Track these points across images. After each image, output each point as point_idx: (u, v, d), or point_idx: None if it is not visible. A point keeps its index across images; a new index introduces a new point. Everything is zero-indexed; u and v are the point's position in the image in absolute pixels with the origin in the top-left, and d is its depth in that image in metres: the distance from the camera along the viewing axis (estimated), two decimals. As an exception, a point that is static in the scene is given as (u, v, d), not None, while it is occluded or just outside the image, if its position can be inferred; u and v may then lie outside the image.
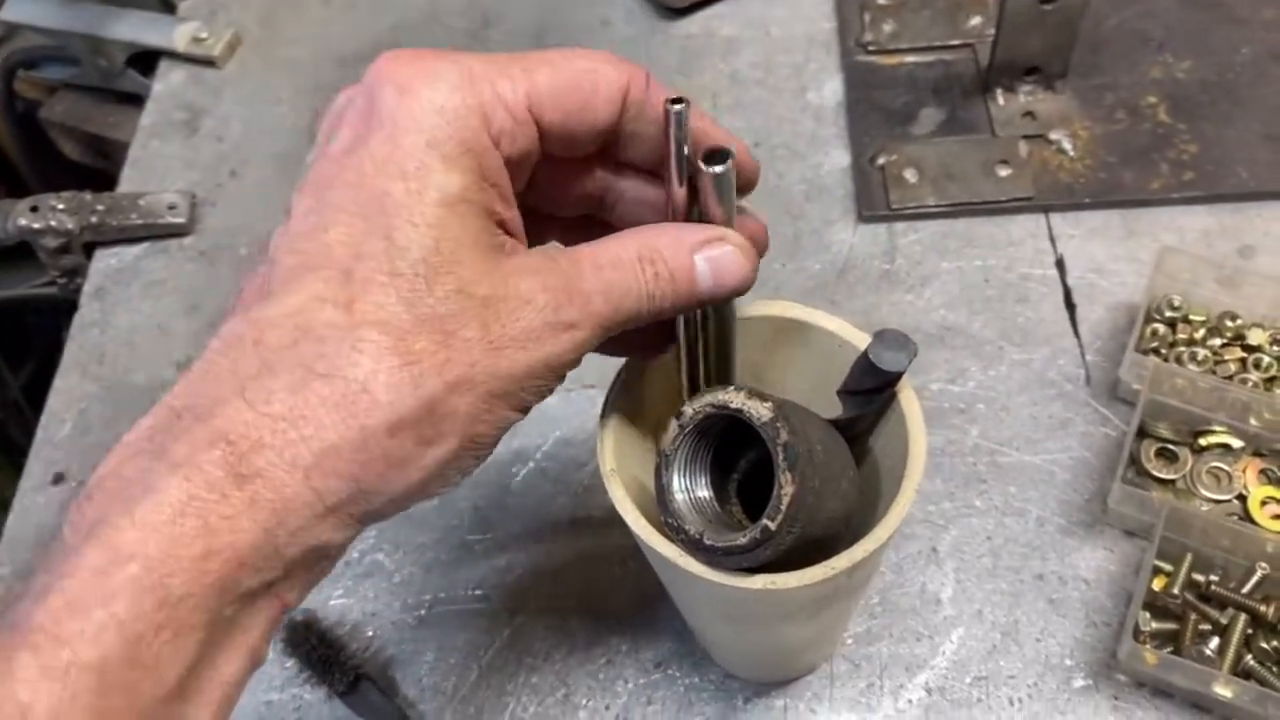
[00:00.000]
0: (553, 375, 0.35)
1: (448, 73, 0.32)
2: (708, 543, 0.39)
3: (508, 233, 0.35)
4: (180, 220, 0.75)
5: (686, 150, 0.37)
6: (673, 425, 0.40)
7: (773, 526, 0.37)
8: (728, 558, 0.39)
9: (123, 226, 0.75)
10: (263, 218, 0.76)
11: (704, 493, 0.42)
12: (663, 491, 0.40)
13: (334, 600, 0.60)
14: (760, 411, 0.38)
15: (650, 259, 0.36)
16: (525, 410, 0.35)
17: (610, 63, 0.36)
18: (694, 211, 0.38)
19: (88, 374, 0.70)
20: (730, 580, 0.39)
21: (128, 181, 0.79)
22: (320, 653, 0.56)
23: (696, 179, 0.37)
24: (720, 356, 0.45)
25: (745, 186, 0.40)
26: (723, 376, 0.46)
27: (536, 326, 0.33)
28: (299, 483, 0.31)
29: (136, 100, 0.86)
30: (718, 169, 0.37)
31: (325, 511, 0.31)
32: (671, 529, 0.40)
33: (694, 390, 0.44)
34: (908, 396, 0.43)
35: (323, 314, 0.31)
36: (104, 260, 0.75)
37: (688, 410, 0.40)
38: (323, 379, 0.31)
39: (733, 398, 0.38)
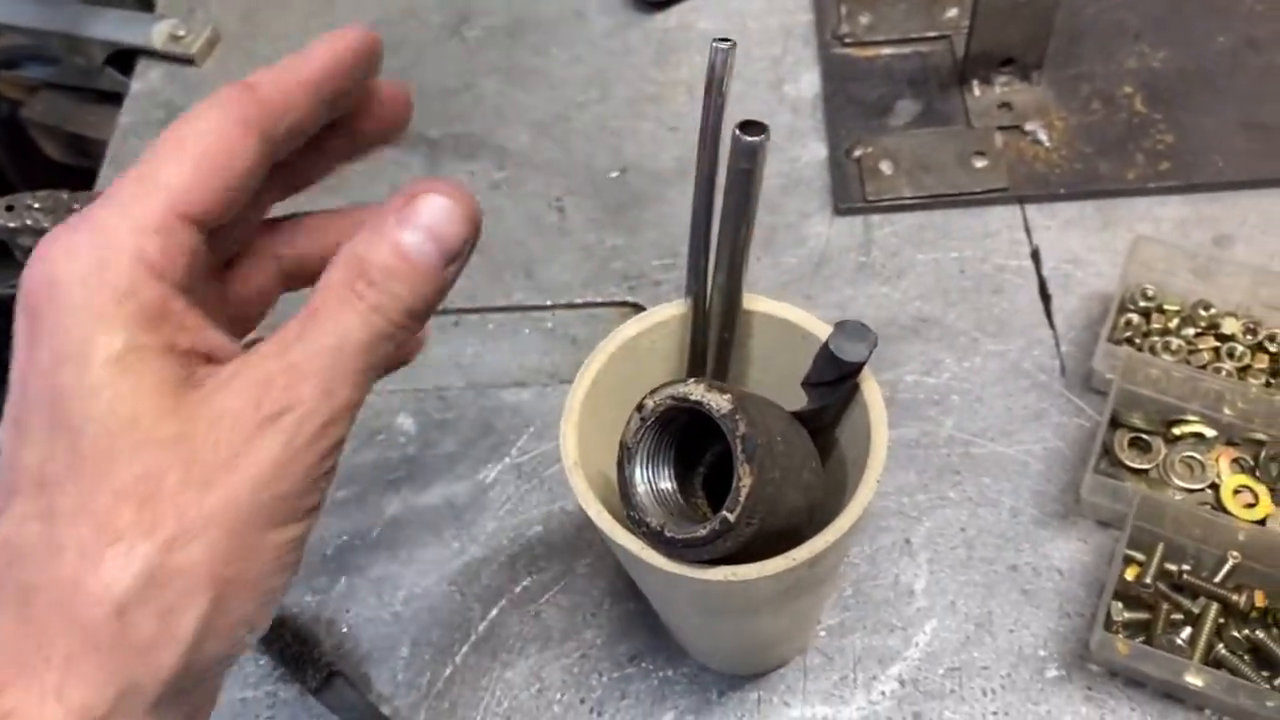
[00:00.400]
0: (301, 471, 0.31)
1: (80, 241, 0.31)
2: (669, 535, 0.39)
3: (211, 358, 0.32)
4: (157, 218, 0.74)
5: (725, 93, 0.37)
6: (634, 417, 0.40)
7: (731, 518, 0.37)
8: (689, 550, 0.39)
9: (99, 225, 0.74)
10: (240, 215, 0.76)
11: (667, 485, 0.42)
12: (625, 484, 0.40)
13: (307, 597, 0.60)
14: (719, 403, 0.38)
15: (359, 272, 0.32)
16: (303, 518, 0.32)
17: (209, 111, 0.33)
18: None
19: (64, 373, 0.70)
20: (691, 572, 0.39)
21: (106, 180, 0.79)
22: (293, 649, 0.56)
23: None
24: (720, 354, 0.45)
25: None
26: (720, 372, 0.46)
27: (237, 437, 0.30)
28: (53, 709, 0.29)
29: (116, 99, 0.86)
30: (751, 138, 0.37)
31: None
32: (634, 522, 0.40)
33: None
34: (870, 388, 0.43)
35: (28, 530, 0.30)
36: (81, 259, 0.75)
37: (649, 403, 0.40)
38: (39, 590, 0.29)
39: (692, 390, 0.38)
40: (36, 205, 0.74)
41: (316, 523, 0.33)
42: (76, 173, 0.90)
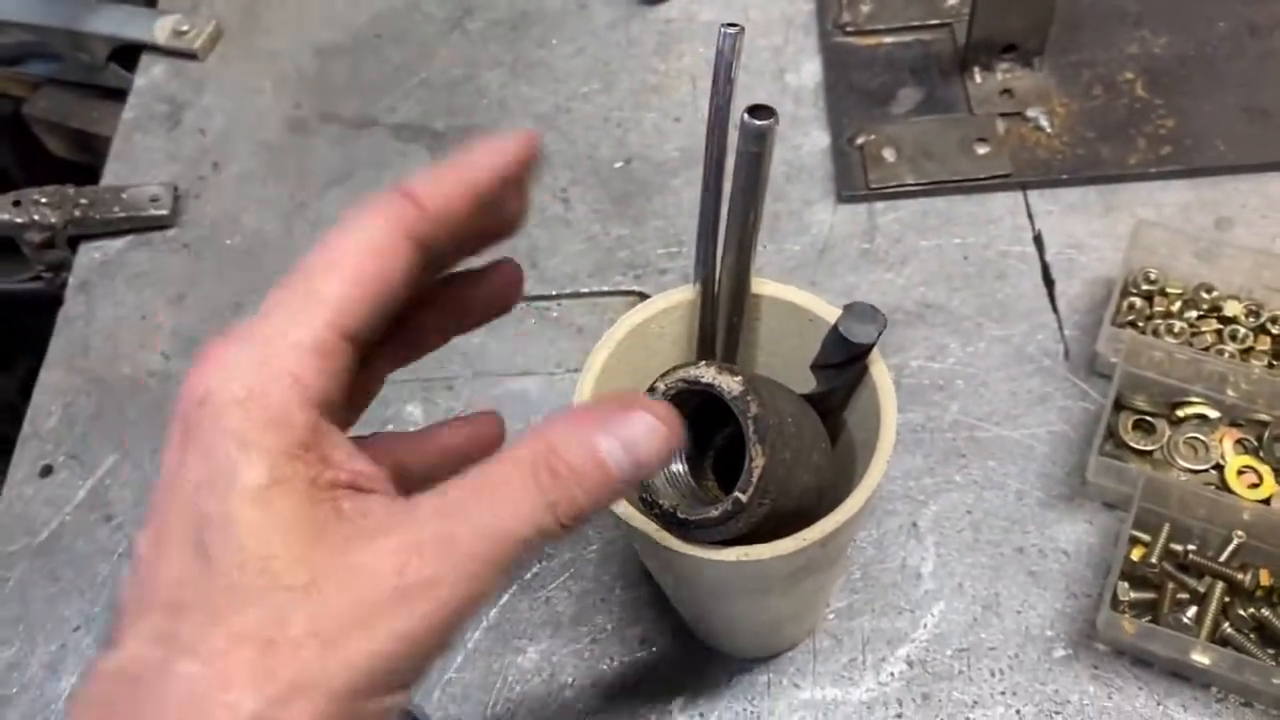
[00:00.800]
0: (425, 647, 0.30)
1: (239, 358, 0.30)
2: (681, 516, 0.39)
3: (355, 487, 0.31)
4: (163, 212, 0.75)
5: (733, 78, 0.38)
6: None
7: (744, 499, 0.38)
8: (701, 531, 0.39)
9: (106, 220, 0.75)
10: (246, 209, 0.76)
11: (679, 467, 0.42)
12: None
13: (321, 586, 0.60)
14: (731, 386, 0.38)
15: (545, 460, 0.31)
16: (405, 689, 0.31)
17: (374, 219, 0.32)
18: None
19: (73, 367, 0.70)
20: (704, 553, 0.40)
21: (111, 175, 0.79)
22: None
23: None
24: (729, 338, 0.46)
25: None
26: (729, 356, 0.47)
27: (375, 600, 0.29)
28: None
29: (119, 95, 0.86)
30: (761, 122, 0.37)
31: None
32: (646, 504, 0.41)
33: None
34: (879, 369, 0.44)
35: (150, 657, 0.29)
36: (88, 254, 0.75)
37: (660, 386, 0.40)
38: None
39: (704, 372, 0.39)
40: (43, 200, 0.75)
41: None
42: (80, 169, 0.90)
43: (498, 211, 0.35)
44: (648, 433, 0.32)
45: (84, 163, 0.91)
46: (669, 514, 0.40)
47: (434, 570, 0.29)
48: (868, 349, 0.43)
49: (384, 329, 0.33)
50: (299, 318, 0.31)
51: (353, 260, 0.31)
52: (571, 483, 0.31)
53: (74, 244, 0.76)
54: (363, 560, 0.29)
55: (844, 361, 0.43)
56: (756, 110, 0.38)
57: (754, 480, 0.38)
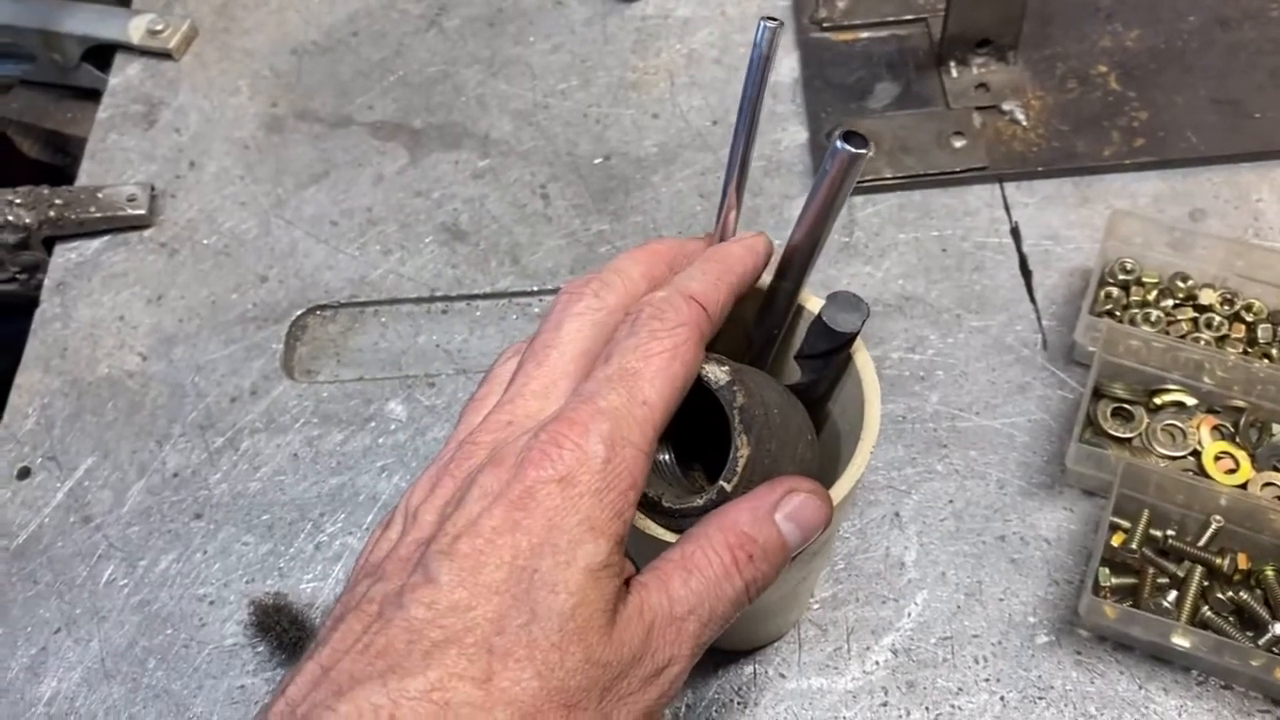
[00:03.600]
0: (657, 716, 0.35)
1: (593, 451, 0.34)
2: (666, 505, 0.39)
3: (629, 580, 0.36)
4: (140, 212, 0.74)
5: (767, 73, 0.39)
6: None
7: (728, 488, 0.38)
8: (685, 520, 0.39)
9: (82, 220, 0.74)
10: (223, 208, 0.76)
11: (665, 456, 0.42)
12: None
13: (304, 584, 0.60)
14: (718, 376, 0.38)
15: (742, 547, 0.36)
16: None
17: (688, 332, 0.37)
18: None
19: (50, 369, 0.69)
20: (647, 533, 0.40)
21: (86, 175, 0.79)
22: (290, 635, 0.56)
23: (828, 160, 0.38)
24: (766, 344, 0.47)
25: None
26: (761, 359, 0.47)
27: (639, 681, 0.34)
28: None
29: (94, 95, 0.85)
30: (854, 150, 0.37)
31: None
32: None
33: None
34: (863, 359, 0.44)
35: (461, 690, 0.31)
36: (64, 255, 0.75)
37: None
38: None
39: None
40: (17, 201, 0.74)
41: None
42: (55, 171, 0.90)
43: None
44: (814, 513, 0.38)
45: (58, 164, 0.90)
46: (654, 503, 0.40)
47: (672, 653, 0.34)
48: (851, 338, 0.43)
49: None
50: (639, 425, 0.35)
51: (669, 371, 0.36)
52: (763, 563, 0.36)
53: (49, 245, 0.75)
54: (631, 643, 0.34)
55: (828, 351, 0.44)
56: (851, 137, 0.37)
57: (738, 470, 0.38)
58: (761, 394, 0.39)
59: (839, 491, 0.41)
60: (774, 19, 0.38)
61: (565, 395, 0.36)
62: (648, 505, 0.40)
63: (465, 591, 0.32)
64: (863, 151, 0.37)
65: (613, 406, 0.35)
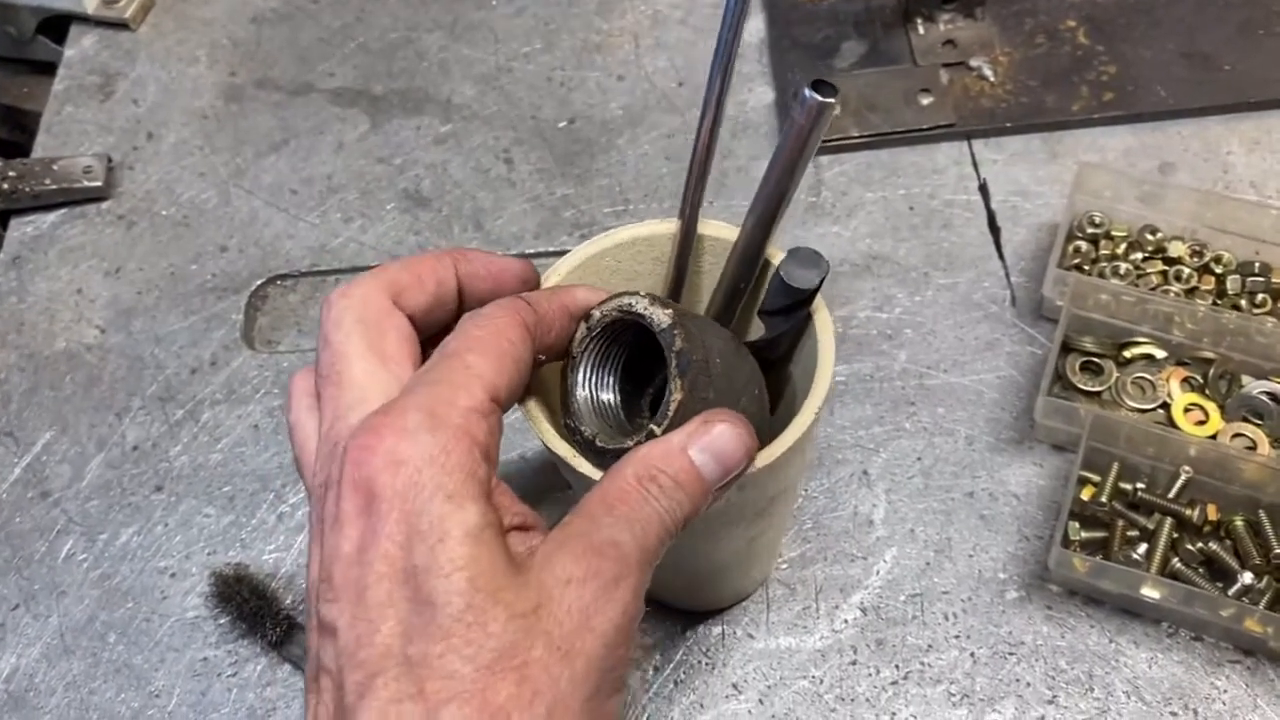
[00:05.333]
0: (628, 636, 0.34)
1: (417, 424, 0.33)
2: (600, 445, 0.39)
3: (524, 527, 0.35)
4: (96, 184, 0.73)
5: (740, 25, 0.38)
6: (581, 327, 0.40)
7: (658, 431, 0.37)
8: (616, 459, 0.38)
9: (37, 193, 0.73)
10: (181, 179, 0.74)
11: (609, 396, 0.41)
12: (565, 392, 0.40)
13: (266, 554, 0.59)
14: (660, 318, 0.38)
15: (650, 477, 0.35)
16: (623, 688, 0.34)
17: (503, 315, 0.37)
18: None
19: (6, 343, 0.68)
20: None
21: (42, 148, 0.77)
22: (251, 605, 0.55)
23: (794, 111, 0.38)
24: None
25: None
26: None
27: (589, 600, 0.32)
28: None
29: (49, 69, 0.84)
30: (822, 98, 0.36)
31: None
32: (569, 430, 0.40)
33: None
34: (822, 319, 0.43)
35: (403, 713, 0.30)
36: (19, 228, 0.73)
37: (596, 313, 0.40)
38: None
39: (637, 302, 0.38)
40: (-29, 174, 0.73)
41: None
42: (10, 147, 0.88)
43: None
44: (732, 442, 0.37)
45: (14, 140, 0.88)
46: (589, 442, 0.39)
47: (620, 567, 0.33)
48: (811, 294, 0.42)
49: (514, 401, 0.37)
50: (463, 388, 0.34)
51: (493, 342, 0.36)
52: (676, 493, 0.35)
53: (4, 219, 0.74)
54: (563, 575, 0.32)
55: (787, 307, 0.43)
56: (821, 86, 0.37)
57: (670, 414, 0.37)
58: (704, 340, 0.39)
59: (784, 443, 0.40)
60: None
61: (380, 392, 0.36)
62: (584, 446, 0.39)
63: (362, 623, 0.31)
64: (831, 100, 0.37)
65: (428, 380, 0.34)
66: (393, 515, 0.32)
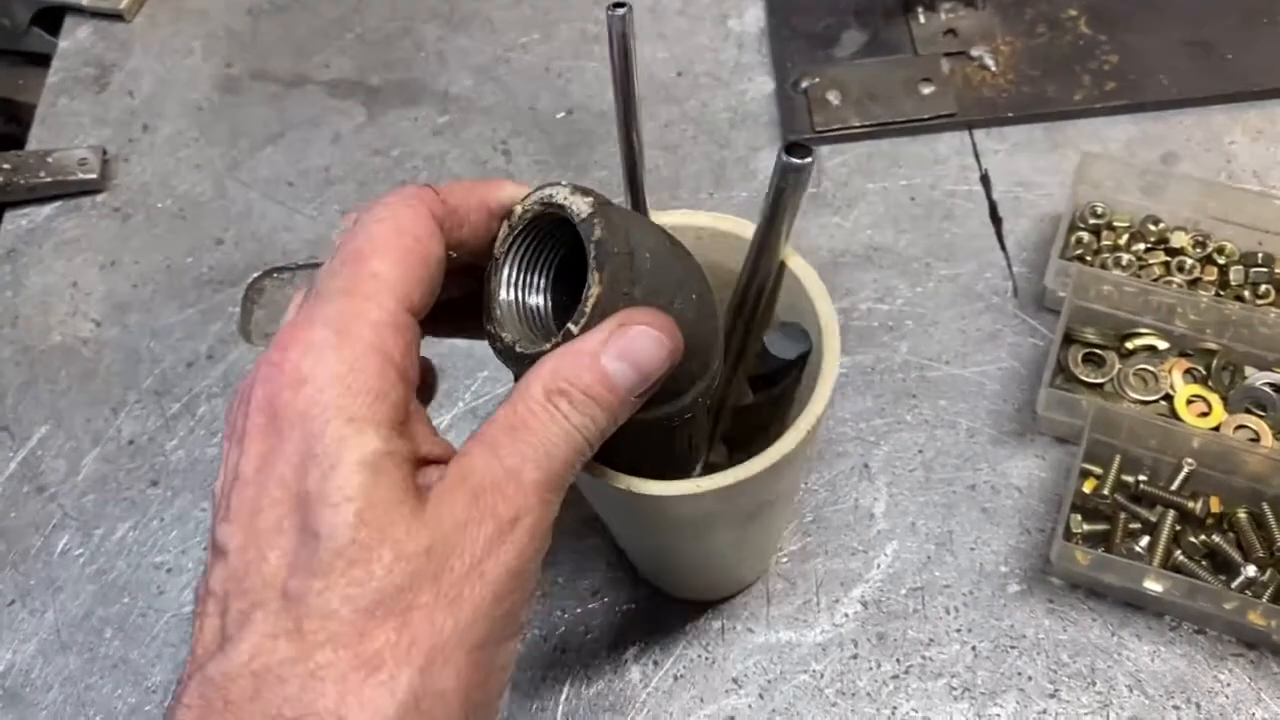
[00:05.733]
0: (526, 580, 0.31)
1: (324, 339, 0.30)
2: (519, 351, 0.35)
3: (442, 459, 0.32)
4: (91, 176, 0.72)
5: (632, 62, 0.36)
6: (503, 227, 0.36)
7: (575, 330, 0.34)
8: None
9: (32, 185, 0.72)
10: (177, 171, 0.74)
11: (537, 300, 0.37)
12: (486, 296, 0.36)
13: (263, 549, 0.59)
14: (579, 206, 0.34)
15: (558, 390, 0.32)
16: (520, 632, 0.32)
17: (406, 207, 0.33)
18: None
19: (2, 337, 0.68)
20: (615, 483, 0.38)
21: (36, 141, 0.77)
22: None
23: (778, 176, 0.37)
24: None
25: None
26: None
27: (482, 545, 0.30)
28: None
29: (44, 60, 0.83)
30: (796, 160, 0.35)
31: None
32: (490, 337, 0.36)
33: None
34: (829, 333, 0.42)
35: (277, 651, 0.28)
36: (14, 221, 0.73)
37: (518, 209, 0.36)
38: None
39: (558, 192, 0.35)
40: (-35, 167, 0.72)
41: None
42: (5, 140, 0.87)
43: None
44: (648, 344, 0.33)
45: (9, 133, 0.88)
46: (509, 349, 0.35)
47: (517, 505, 0.31)
48: (793, 364, 0.42)
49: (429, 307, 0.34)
50: (372, 299, 0.31)
51: (398, 243, 0.32)
52: (589, 406, 0.32)
53: (0, 211, 0.74)
54: (459, 514, 0.30)
55: (772, 373, 0.43)
56: (795, 148, 0.36)
57: (587, 310, 0.33)
58: (630, 231, 0.35)
59: (776, 452, 0.38)
60: (622, 4, 0.35)
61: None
62: (505, 353, 0.36)
63: (253, 548, 0.30)
64: (806, 162, 0.36)
65: (334, 290, 0.31)
66: (293, 436, 0.30)
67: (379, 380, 0.30)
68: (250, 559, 0.29)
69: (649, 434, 0.38)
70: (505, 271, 0.36)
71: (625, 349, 0.33)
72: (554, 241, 0.36)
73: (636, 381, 0.33)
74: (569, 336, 0.33)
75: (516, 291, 0.37)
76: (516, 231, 0.36)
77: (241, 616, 0.29)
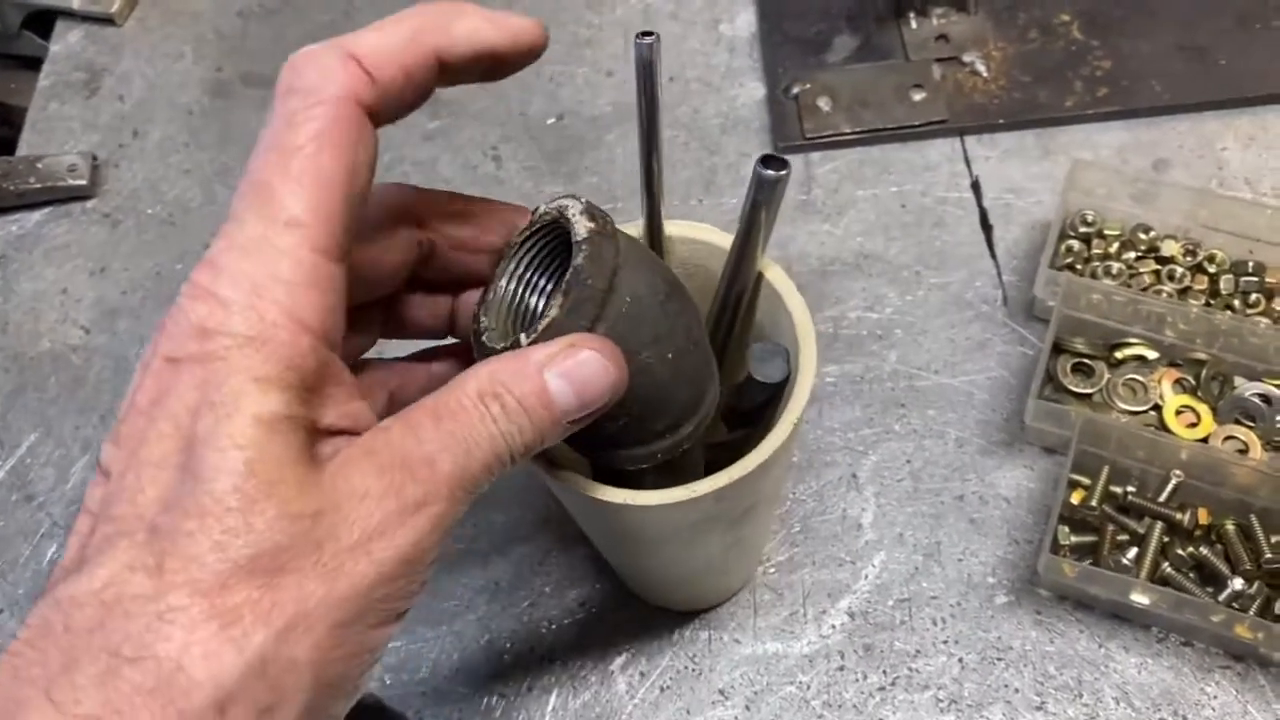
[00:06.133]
0: (417, 570, 0.30)
1: (228, 294, 0.29)
2: (484, 340, 0.35)
3: (352, 432, 0.31)
4: (81, 182, 0.72)
5: (657, 88, 0.36)
6: (525, 219, 0.37)
7: (524, 341, 0.33)
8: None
9: (21, 191, 0.72)
10: (167, 177, 0.74)
11: (535, 302, 0.38)
12: (489, 281, 0.37)
13: (251, 559, 0.58)
14: (580, 228, 0.34)
15: (493, 393, 0.31)
16: (398, 619, 0.31)
17: (325, 112, 0.30)
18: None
19: (-9, 344, 0.68)
20: (594, 493, 0.38)
21: (26, 145, 0.76)
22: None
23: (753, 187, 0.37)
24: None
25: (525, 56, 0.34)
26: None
27: (378, 521, 0.29)
28: None
29: (35, 64, 0.83)
30: (770, 173, 0.35)
31: None
32: (473, 319, 0.36)
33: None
34: (804, 329, 0.42)
35: (131, 584, 0.27)
36: (4, 227, 0.73)
37: (541, 207, 0.36)
38: (132, 664, 0.26)
39: (571, 206, 0.35)
40: (-46, 172, 0.72)
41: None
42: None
43: (485, 64, 0.33)
44: (596, 372, 0.32)
45: (3, 136, 0.88)
46: (478, 333, 0.36)
47: (423, 489, 0.29)
48: (777, 387, 0.42)
49: (355, 223, 0.31)
50: (286, 255, 0.29)
51: (313, 165, 0.29)
52: (520, 419, 0.31)
53: (-11, 218, 0.74)
54: (358, 485, 0.29)
55: (754, 409, 0.43)
56: (770, 160, 0.36)
57: (539, 329, 0.33)
58: (619, 268, 0.34)
59: (758, 456, 0.38)
60: (650, 33, 0.35)
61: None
62: (474, 335, 0.36)
63: (132, 475, 0.28)
64: (781, 174, 0.36)
65: (248, 238, 0.29)
66: (194, 379, 0.28)
67: (291, 351, 0.29)
68: (127, 486, 0.28)
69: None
70: (513, 263, 0.37)
71: (571, 370, 0.32)
72: (567, 251, 0.35)
73: (574, 405, 0.32)
74: (517, 345, 0.33)
75: (517, 285, 0.37)
76: (535, 229, 0.36)
77: (105, 541, 0.28)
